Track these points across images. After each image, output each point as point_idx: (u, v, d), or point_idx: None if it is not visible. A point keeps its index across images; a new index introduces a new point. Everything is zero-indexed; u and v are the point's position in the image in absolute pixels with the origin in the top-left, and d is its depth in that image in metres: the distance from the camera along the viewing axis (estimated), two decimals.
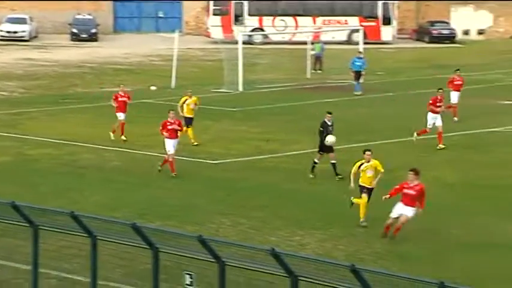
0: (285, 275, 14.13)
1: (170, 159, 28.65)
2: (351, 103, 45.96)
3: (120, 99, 34.76)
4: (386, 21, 76.65)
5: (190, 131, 33.36)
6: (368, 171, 23.19)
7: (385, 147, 33.61)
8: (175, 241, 15.51)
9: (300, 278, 13.98)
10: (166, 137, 28.75)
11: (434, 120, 33.45)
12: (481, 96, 47.59)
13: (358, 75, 48.64)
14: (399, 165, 28.77)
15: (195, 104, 34.30)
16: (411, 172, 21.90)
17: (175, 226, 22.36)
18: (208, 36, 75.39)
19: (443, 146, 32.85)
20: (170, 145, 28.71)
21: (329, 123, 28.52)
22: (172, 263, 15.55)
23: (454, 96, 39.60)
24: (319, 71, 58.37)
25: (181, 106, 33.92)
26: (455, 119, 38.38)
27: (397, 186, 21.87)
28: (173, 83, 50.80)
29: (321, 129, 28.59)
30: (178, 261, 15.34)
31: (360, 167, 23.15)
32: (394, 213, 21.68)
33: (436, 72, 59.29)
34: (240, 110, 42.12)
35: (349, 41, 72.12)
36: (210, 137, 35.28)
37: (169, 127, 28.80)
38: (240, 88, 49.46)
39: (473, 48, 74.89)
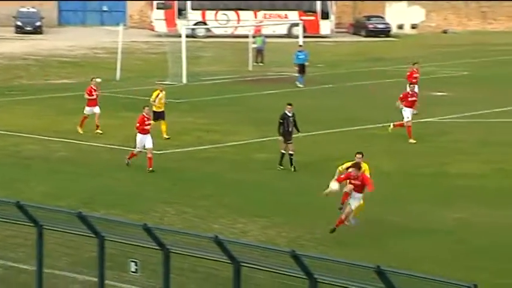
0: (228, 261, 14.04)
1: (149, 155, 27.70)
2: (292, 95, 45.93)
3: (94, 93, 34.15)
4: (325, 15, 77.03)
5: (164, 125, 32.76)
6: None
7: (326, 137, 33.75)
8: (121, 229, 15.36)
9: (242, 264, 13.90)
10: (140, 132, 27.87)
11: (408, 114, 32.60)
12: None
13: (301, 68, 48.74)
14: (340, 154, 28.80)
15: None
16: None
17: (120, 215, 22.16)
18: (152, 30, 74.97)
19: (413, 141, 32.13)
20: (143, 141, 27.83)
21: (289, 115, 28.16)
22: (118, 251, 15.38)
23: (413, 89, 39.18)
24: (261, 64, 58.39)
25: (155, 100, 32.79)
26: (415, 111, 38.05)
27: (343, 176, 21.55)
28: (118, 75, 50.41)
29: (281, 121, 28.17)
30: (123, 249, 15.17)
31: (348, 168, 21.65)
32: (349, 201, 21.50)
33: (372, 65, 59.72)
34: (184, 101, 41.90)
35: (289, 35, 72.21)
36: (155, 128, 35.00)
37: (147, 122, 28.03)
38: (184, 80, 49.23)
39: (407, 42, 75.51)
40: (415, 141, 32.06)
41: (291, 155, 28.07)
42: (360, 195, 21.24)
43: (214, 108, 39.87)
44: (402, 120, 32.76)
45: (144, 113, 28.31)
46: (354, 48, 70.36)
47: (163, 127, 32.72)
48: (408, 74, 40.09)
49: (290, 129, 28.07)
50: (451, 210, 23.46)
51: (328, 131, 34.85)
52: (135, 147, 28.14)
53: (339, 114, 38.26)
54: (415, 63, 40.99)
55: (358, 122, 36.31)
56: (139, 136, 28.00)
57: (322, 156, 30.19)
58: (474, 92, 45.90)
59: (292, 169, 27.85)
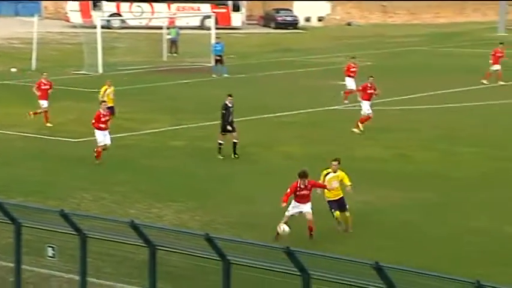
0: (143, 245, 13.90)
1: (99, 149, 27.01)
2: (206, 84, 45.90)
3: (43, 87, 33.18)
4: (236, 8, 77.06)
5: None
6: (334, 182, 20.09)
7: (239, 125, 33.69)
8: (38, 216, 15.08)
9: (157, 247, 13.78)
10: (98, 129, 27.04)
11: (370, 105, 32.04)
12: (321, 77, 48.37)
13: (220, 59, 48.66)
14: (252, 141, 28.89)
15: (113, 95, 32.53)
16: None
17: (37, 202, 21.75)
18: (68, 21, 73.85)
19: (358, 131, 31.39)
20: (102, 136, 27.03)
21: (230, 105, 27.68)
22: (35, 237, 15.11)
23: (350, 82, 38.67)
24: (175, 54, 58.15)
25: (103, 95, 32.01)
26: (346, 101, 37.90)
27: (288, 191, 19.56)
28: (33, 65, 49.56)
29: (223, 111, 27.66)
30: (40, 235, 14.91)
31: (326, 175, 20.06)
32: (290, 212, 19.54)
33: (281, 56, 59.98)
34: (100, 91, 41.35)
35: (202, 26, 71.93)
36: (72, 116, 34.50)
37: (103, 119, 27.12)
38: (100, 70, 48.69)
39: (314, 34, 76.05)
40: (359, 132, 31.29)
41: (235, 143, 27.56)
42: (309, 204, 19.54)
43: (130, 98, 39.47)
44: (362, 114, 31.99)
45: (100, 109, 27.42)
46: (264, 40, 70.52)
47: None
48: (346, 68, 39.80)
49: (231, 119, 27.59)
50: (357, 192, 23.70)
51: (240, 119, 34.77)
52: (96, 145, 27.05)
53: (251, 103, 38.25)
54: (353, 58, 40.63)
55: (268, 110, 36.39)
56: (97, 132, 26.99)
57: (230, 143, 30.14)
58: (378, 81, 46.42)
59: (234, 156, 27.43)
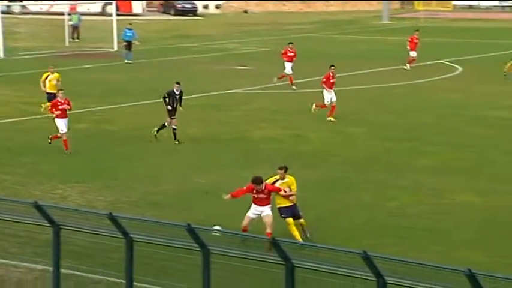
0: (48, 225, 13.59)
1: (64, 138, 25.73)
2: (107, 69, 45.32)
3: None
4: None
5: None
6: (285, 188, 18.22)
7: (141, 108, 33.40)
8: None
9: (61, 227, 13.49)
10: (58, 117, 25.70)
11: (330, 95, 31.02)
12: (220, 62, 48.35)
13: (129, 44, 48.00)
14: (155, 122, 28.55)
15: (57, 80, 30.83)
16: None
17: None
18: None
19: (333, 119, 30.51)
20: (62, 124, 25.70)
21: (177, 93, 26.85)
22: None
23: (288, 67, 38.11)
24: (77, 40, 57.24)
25: (44, 82, 30.57)
26: (294, 87, 37.79)
27: (240, 189, 18.08)
28: None
29: (165, 96, 26.78)
30: None
31: (274, 183, 18.26)
32: (250, 213, 17.86)
33: (180, 42, 59.66)
34: (1, 75, 40.37)
35: (103, 13, 70.94)
36: None
37: (60, 107, 25.71)
38: (1, 55, 47.49)
39: (212, 21, 75.90)
40: (333, 119, 30.48)
41: (174, 129, 26.83)
42: (268, 206, 17.77)
43: (33, 82, 38.58)
44: (322, 101, 31.13)
45: (58, 97, 26.17)
46: (164, 26, 70.00)
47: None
48: (282, 52, 39.02)
49: (175, 106, 26.79)
50: (253, 172, 23.76)
51: (142, 102, 34.51)
52: (58, 132, 25.79)
53: (152, 86, 37.95)
54: (290, 43, 39.48)
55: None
56: (58, 121, 25.64)
57: (132, 125, 29.88)
58: (272, 66, 46.67)
59: (177, 142, 26.61)
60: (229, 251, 11.99)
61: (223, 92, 37.46)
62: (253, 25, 72.58)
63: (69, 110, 26.11)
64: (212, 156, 25.57)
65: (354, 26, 73.04)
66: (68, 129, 25.96)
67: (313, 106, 31.36)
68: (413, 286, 10.26)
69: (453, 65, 46.86)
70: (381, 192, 21.68)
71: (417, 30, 46.54)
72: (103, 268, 14.69)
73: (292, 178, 18.13)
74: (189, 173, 23.25)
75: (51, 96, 30.12)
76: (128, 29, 48.75)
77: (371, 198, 21.18)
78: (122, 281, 12.89)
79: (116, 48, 52.62)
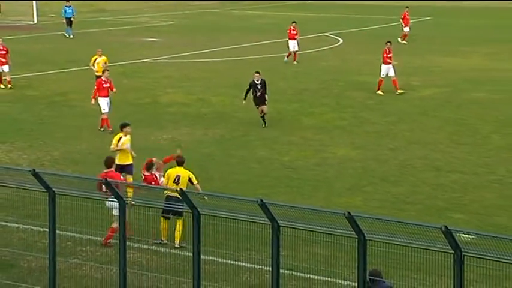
0: None
1: (105, 117, 23.49)
2: (29, 40, 44.09)
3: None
4: None
5: None
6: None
7: (59, 76, 32.68)
8: None
9: None
10: (100, 95, 23.47)
11: (387, 70, 29.22)
12: (132, 35, 47.64)
13: (69, 21, 46.56)
14: (72, 89, 28.03)
15: (105, 63, 28.19)
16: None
17: None
18: None
19: (402, 91, 29.00)
20: (104, 103, 23.43)
21: (257, 82, 24.09)
22: None
23: (291, 44, 36.69)
24: None
25: (93, 64, 28.11)
26: (295, 62, 36.38)
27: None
28: None
29: (248, 89, 23.95)
30: None
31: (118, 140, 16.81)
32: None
33: (97, 16, 58.43)
34: None
35: None
36: None
37: (104, 85, 23.67)
38: None
39: None
40: (402, 91, 29.02)
41: (263, 115, 24.18)
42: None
43: None
44: (381, 77, 29.24)
45: (102, 77, 24.07)
46: (81, 1, 68.29)
47: None
48: (288, 31, 36.93)
49: (258, 94, 24.18)
50: (163, 132, 23.66)
51: (60, 70, 33.79)
52: (101, 113, 23.67)
53: (71, 57, 37.19)
54: (293, 22, 37.44)
55: (85, 63, 35.39)
56: (100, 100, 23.55)
57: (54, 91, 29.26)
58: (179, 38, 46.28)
59: (264, 125, 24.22)
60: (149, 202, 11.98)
61: (135, 61, 36.95)
62: (161, 1, 71.59)
63: (111, 90, 23.89)
64: (127, 119, 25.02)
65: (253, 3, 72.84)
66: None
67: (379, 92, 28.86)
68: (303, 228, 10.42)
69: (335, 37, 47.41)
70: (274, 148, 21.87)
71: (407, 7, 45.79)
72: (28, 219, 14.42)
73: (190, 173, 15.25)
74: (105, 134, 22.90)
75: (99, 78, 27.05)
76: (67, 6, 47.34)
77: (266, 153, 21.35)
78: (46, 229, 12.69)
79: (36, 21, 51.18)
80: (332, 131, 23.95)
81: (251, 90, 24.22)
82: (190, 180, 15.08)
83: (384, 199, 17.54)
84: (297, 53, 37.01)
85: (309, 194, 17.72)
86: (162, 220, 14.67)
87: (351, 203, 16.91)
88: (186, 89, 30.44)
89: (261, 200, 10.41)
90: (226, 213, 10.68)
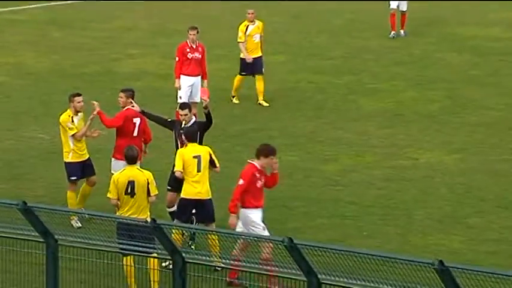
0: None
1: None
2: None
3: None
4: None
5: None
6: None
7: None
8: None
9: None
10: None
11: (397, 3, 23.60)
12: None
13: None
14: None
15: None
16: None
17: None
18: None
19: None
20: None
21: None
22: None
23: None
24: None
25: None
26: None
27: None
28: None
29: None
30: None
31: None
32: None
33: None
34: None
35: None
36: None
37: None
38: None
39: None
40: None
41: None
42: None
43: None
44: None
45: None
46: None
47: None
48: None
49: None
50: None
51: None
52: None
53: None
54: None
55: None
56: None
57: None
58: None
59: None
60: None
61: (73, 1, 28.69)
62: None
63: None
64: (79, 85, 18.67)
65: None
66: None
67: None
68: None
69: None
70: (309, 150, 16.75)
71: None
72: None
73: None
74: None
75: None
76: None
77: (295, 158, 16.25)
78: None
79: None
80: (411, 121, 17.26)
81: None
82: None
83: (502, 239, 12.65)
84: None
85: (371, 229, 13.00)
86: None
87: (444, 245, 12.40)
88: (162, 49, 22.39)
89: (290, 240, 8.24)
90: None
